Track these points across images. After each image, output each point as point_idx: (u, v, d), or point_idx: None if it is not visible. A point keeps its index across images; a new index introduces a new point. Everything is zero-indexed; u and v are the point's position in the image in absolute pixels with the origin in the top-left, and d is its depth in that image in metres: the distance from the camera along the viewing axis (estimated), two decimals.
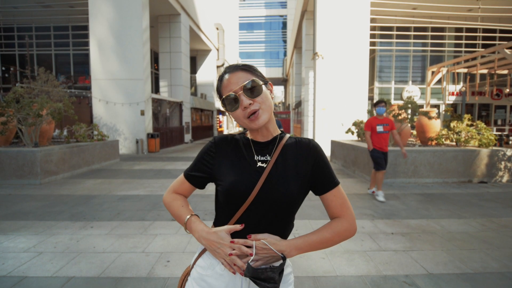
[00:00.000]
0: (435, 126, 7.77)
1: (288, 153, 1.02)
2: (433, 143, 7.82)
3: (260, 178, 0.96)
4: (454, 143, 7.67)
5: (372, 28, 15.27)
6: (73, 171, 7.49)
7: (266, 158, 1.01)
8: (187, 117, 17.80)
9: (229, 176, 0.99)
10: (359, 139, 9.42)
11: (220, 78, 1.01)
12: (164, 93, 16.64)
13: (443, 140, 7.63)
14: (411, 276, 2.64)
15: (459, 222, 4.07)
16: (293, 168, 0.99)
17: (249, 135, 1.08)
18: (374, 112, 5.33)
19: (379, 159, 5.23)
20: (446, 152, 6.53)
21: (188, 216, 1.02)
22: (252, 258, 0.89)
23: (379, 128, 5.17)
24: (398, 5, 14.67)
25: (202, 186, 1.11)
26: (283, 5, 57.80)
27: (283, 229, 1.00)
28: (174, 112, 16.45)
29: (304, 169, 1.00)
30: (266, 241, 0.91)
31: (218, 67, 26.85)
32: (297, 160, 1.01)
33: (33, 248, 3.19)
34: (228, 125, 35.77)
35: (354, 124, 9.43)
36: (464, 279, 2.59)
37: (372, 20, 14.53)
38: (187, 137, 18.19)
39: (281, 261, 0.92)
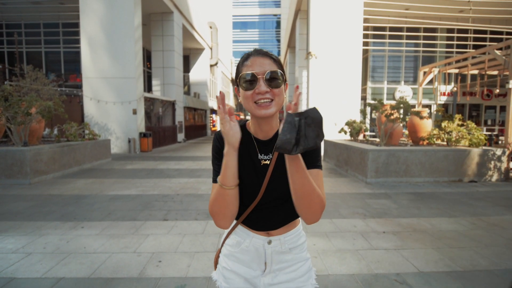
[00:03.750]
0: (426, 126, 7.86)
1: None
2: (425, 142, 7.91)
3: (265, 178, 1.04)
4: (445, 143, 7.77)
5: (365, 28, 15.36)
6: (63, 170, 7.39)
7: (269, 156, 1.07)
8: (180, 116, 17.69)
9: (240, 176, 1.04)
10: (352, 138, 9.48)
11: (246, 57, 1.03)
12: (156, 92, 16.52)
13: (434, 139, 7.72)
14: (402, 274, 2.66)
15: (450, 220, 4.12)
16: None
17: (250, 129, 1.10)
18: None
19: None
20: (437, 151, 6.60)
21: (217, 183, 1.01)
22: None
23: None
24: (391, 5, 14.78)
25: None
26: (277, 4, 57.87)
27: (292, 213, 1.09)
28: (167, 111, 16.35)
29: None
30: None
31: (211, 66, 26.75)
32: None
33: (22, 249, 3.13)
34: None
35: (347, 123, 9.48)
36: (454, 277, 2.62)
37: (365, 20, 14.62)
38: (180, 136, 18.09)
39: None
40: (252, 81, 0.97)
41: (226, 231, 1.17)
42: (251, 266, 1.12)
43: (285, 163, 0.96)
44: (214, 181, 1.06)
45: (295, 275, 1.13)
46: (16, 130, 6.77)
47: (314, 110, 0.82)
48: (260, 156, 1.07)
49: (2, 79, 15.90)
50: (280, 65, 1.03)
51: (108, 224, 3.91)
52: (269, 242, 1.09)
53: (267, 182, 1.03)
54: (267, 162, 1.06)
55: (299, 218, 1.17)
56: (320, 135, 0.82)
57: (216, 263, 1.22)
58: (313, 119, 0.81)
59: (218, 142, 1.09)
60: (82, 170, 7.98)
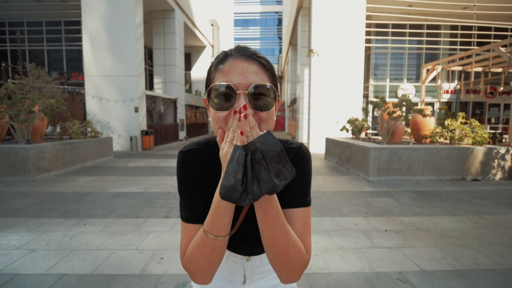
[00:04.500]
0: (429, 124, 7.83)
1: None
2: (427, 141, 7.88)
3: (239, 217, 0.81)
4: (448, 141, 7.73)
5: (368, 25, 15.28)
6: (66, 168, 7.41)
7: None
8: (181, 114, 17.71)
9: (201, 209, 0.78)
10: (354, 136, 9.46)
11: (222, 58, 0.73)
12: (158, 90, 16.53)
13: (437, 138, 7.69)
14: (404, 272, 2.66)
15: (452, 219, 4.10)
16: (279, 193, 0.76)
17: None
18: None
19: None
20: (440, 150, 6.58)
21: (201, 229, 0.73)
22: None
23: None
24: (393, 2, 14.69)
25: None
26: (279, 2, 57.63)
27: None
28: (168, 109, 16.36)
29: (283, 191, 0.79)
30: None
31: None
32: None
33: (25, 245, 3.15)
34: None
35: (349, 121, 9.46)
36: (457, 275, 2.61)
37: (368, 17, 14.54)
38: (182, 134, 18.12)
39: None
40: (228, 97, 0.67)
41: None
42: (230, 279, 0.99)
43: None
44: (185, 219, 0.79)
45: (276, 282, 1.00)
46: (19, 128, 6.79)
47: (265, 137, 0.59)
48: None
49: (5, 77, 15.96)
50: (272, 74, 0.74)
51: (110, 221, 3.93)
52: (248, 259, 0.96)
53: (243, 218, 0.82)
54: None
55: None
56: (284, 172, 0.58)
57: None
58: (264, 151, 0.57)
59: (185, 166, 0.80)
60: (84, 168, 8.01)
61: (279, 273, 0.75)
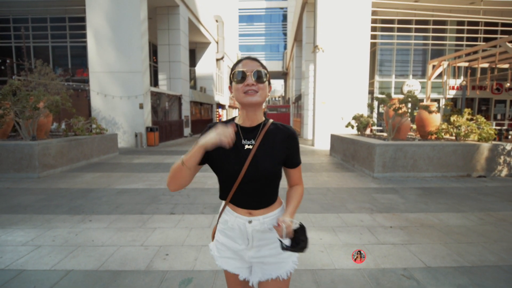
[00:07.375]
0: (435, 120, 7.75)
1: (269, 137, 1.27)
2: (433, 137, 7.81)
3: (247, 159, 1.22)
4: (453, 138, 7.66)
5: (373, 21, 15.12)
6: (71, 164, 7.47)
7: (251, 142, 1.26)
8: (186, 110, 17.72)
9: (222, 158, 1.25)
10: (359, 133, 9.41)
11: (239, 61, 1.27)
12: (163, 86, 16.54)
13: (443, 134, 7.62)
14: (409, 269, 2.65)
15: (458, 216, 4.07)
16: (273, 149, 1.26)
17: (238, 121, 1.31)
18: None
19: None
20: (445, 146, 6.52)
21: (181, 158, 1.23)
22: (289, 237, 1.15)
23: None
24: None
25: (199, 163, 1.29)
26: None
27: (271, 196, 1.30)
28: (173, 106, 16.37)
29: (281, 150, 1.28)
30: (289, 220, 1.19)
31: (217, 60, 26.65)
32: (276, 143, 1.27)
33: (31, 241, 3.18)
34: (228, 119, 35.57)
35: (354, 118, 9.40)
36: (462, 272, 2.59)
37: (373, 13, 14.38)
38: (187, 130, 18.14)
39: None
40: (243, 77, 1.21)
41: (220, 210, 1.36)
42: (237, 241, 1.31)
43: (265, 150, 1.24)
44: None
45: (277, 252, 1.28)
46: (24, 124, 6.84)
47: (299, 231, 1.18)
48: (243, 142, 1.26)
49: (10, 74, 16.07)
50: (265, 69, 1.27)
51: (115, 218, 3.96)
52: (250, 222, 1.27)
53: (249, 162, 1.22)
54: (250, 146, 1.24)
55: (282, 204, 1.38)
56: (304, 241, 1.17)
57: (213, 236, 1.42)
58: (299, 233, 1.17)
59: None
60: (89, 164, 8.07)
61: None
